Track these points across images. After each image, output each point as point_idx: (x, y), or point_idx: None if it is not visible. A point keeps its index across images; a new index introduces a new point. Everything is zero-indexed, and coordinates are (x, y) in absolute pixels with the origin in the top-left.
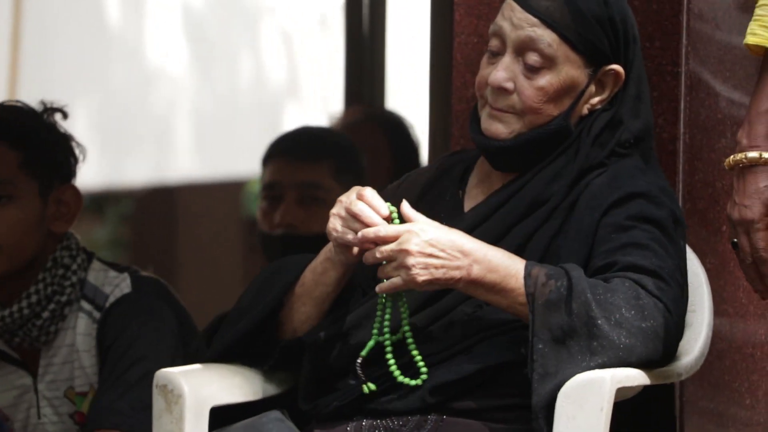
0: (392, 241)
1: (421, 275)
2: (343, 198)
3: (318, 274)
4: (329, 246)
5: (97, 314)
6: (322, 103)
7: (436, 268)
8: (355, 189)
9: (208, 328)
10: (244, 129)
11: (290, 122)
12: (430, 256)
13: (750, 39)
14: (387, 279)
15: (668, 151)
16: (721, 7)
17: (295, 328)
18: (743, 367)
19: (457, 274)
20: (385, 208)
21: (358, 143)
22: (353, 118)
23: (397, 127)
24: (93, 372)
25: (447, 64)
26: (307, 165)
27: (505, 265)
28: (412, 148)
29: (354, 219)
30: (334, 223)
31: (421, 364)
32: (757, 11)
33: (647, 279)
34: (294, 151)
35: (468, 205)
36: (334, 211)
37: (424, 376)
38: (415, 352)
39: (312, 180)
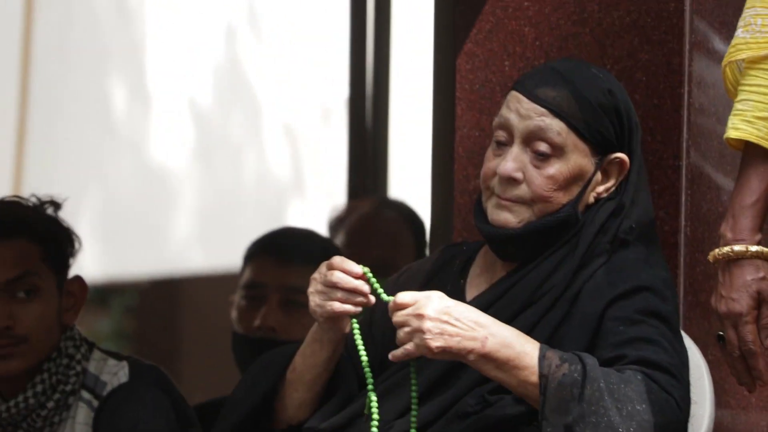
0: (408, 308)
1: (436, 341)
2: (316, 275)
3: (307, 357)
4: (315, 327)
5: (95, 403)
6: (325, 196)
7: (451, 336)
8: (324, 264)
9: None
10: (247, 222)
11: (294, 215)
12: (446, 323)
13: (732, 133)
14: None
15: (670, 243)
16: (721, 102)
17: (290, 416)
18: None
19: (471, 344)
20: (358, 268)
21: (379, 232)
22: (370, 208)
23: (415, 219)
24: None
25: (449, 157)
26: (294, 268)
27: (520, 343)
28: (425, 239)
29: (334, 288)
30: (315, 300)
31: None
32: (737, 105)
33: (659, 374)
34: (282, 252)
35: (470, 294)
36: (311, 290)
37: None
38: None
39: (299, 284)
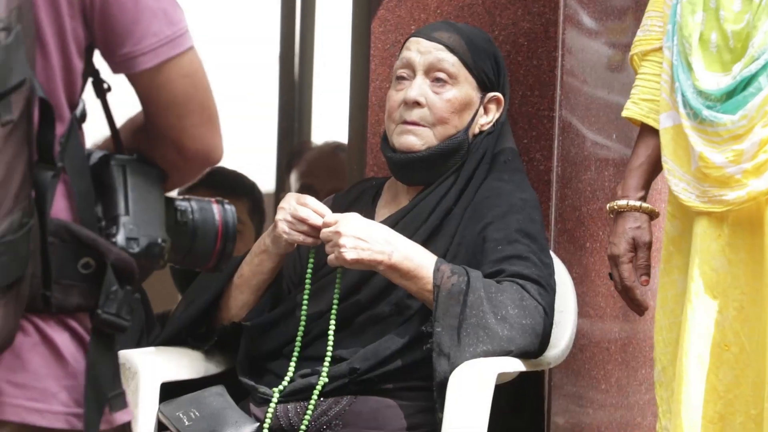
0: (331, 226)
1: (350, 253)
2: (285, 205)
3: (255, 265)
4: (263, 240)
5: None
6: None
7: (363, 249)
8: (292, 196)
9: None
10: None
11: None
12: (360, 239)
13: (624, 113)
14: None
15: (544, 180)
16: (588, 65)
17: (232, 315)
18: (600, 359)
19: (379, 257)
20: (329, 211)
21: (333, 169)
22: (325, 148)
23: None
24: None
25: (363, 105)
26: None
27: (420, 257)
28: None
29: (301, 223)
30: (283, 228)
31: (329, 356)
32: (632, 90)
33: (530, 285)
34: (219, 187)
35: (378, 220)
36: (279, 216)
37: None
38: (330, 339)
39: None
